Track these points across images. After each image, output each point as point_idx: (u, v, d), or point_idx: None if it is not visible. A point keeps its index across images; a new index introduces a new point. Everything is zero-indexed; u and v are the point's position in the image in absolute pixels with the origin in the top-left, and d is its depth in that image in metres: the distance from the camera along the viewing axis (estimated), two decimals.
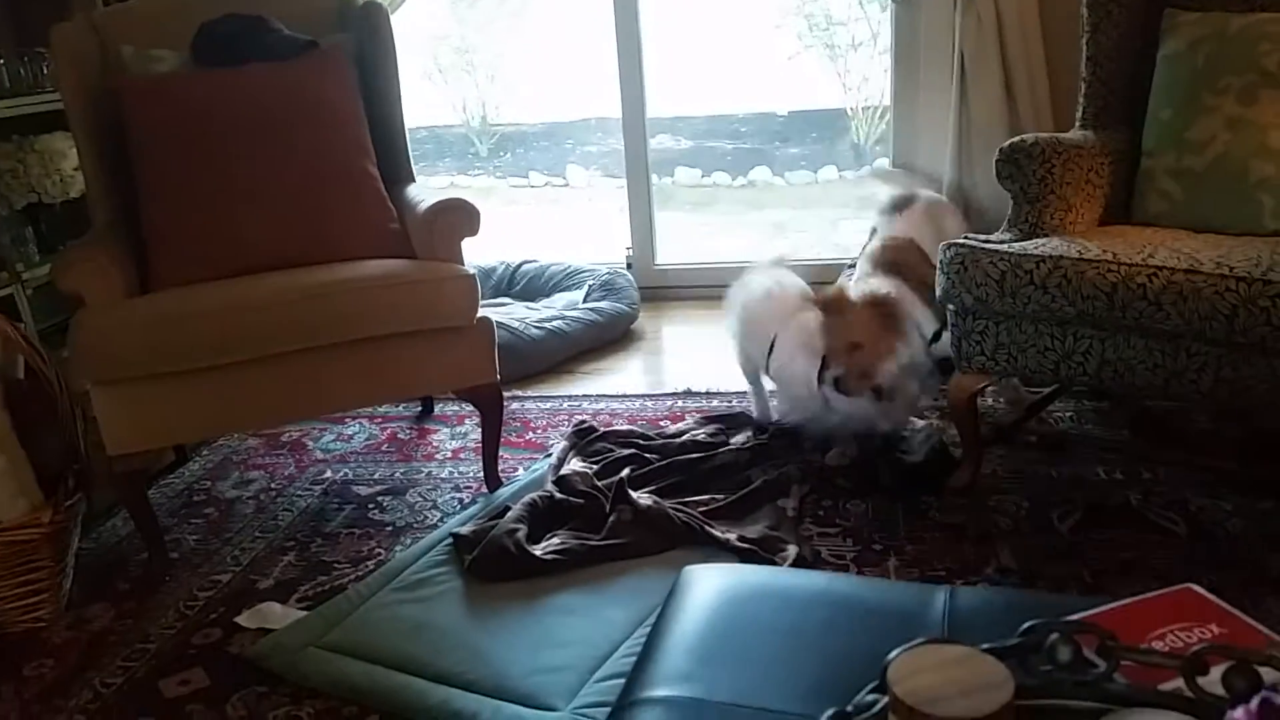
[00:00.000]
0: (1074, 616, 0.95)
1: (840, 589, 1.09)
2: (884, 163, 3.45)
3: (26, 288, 2.72)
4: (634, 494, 2.12)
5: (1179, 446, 2.35)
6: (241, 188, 2.19)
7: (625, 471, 2.22)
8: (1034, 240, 2.06)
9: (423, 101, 6.12)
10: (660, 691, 0.95)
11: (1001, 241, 2.06)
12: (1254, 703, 0.54)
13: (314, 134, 2.26)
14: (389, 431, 2.74)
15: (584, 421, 2.56)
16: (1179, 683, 0.87)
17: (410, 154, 2.56)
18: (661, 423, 2.61)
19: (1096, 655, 0.88)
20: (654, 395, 2.85)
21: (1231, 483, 2.15)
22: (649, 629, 1.74)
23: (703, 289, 3.70)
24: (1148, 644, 0.95)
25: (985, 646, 0.81)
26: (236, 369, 2.03)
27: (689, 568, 1.21)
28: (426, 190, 2.37)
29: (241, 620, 1.92)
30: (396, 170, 2.49)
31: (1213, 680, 0.85)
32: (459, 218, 2.21)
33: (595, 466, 2.25)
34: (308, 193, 2.22)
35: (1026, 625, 0.89)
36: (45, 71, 2.83)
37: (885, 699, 0.82)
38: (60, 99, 2.65)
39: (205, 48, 2.37)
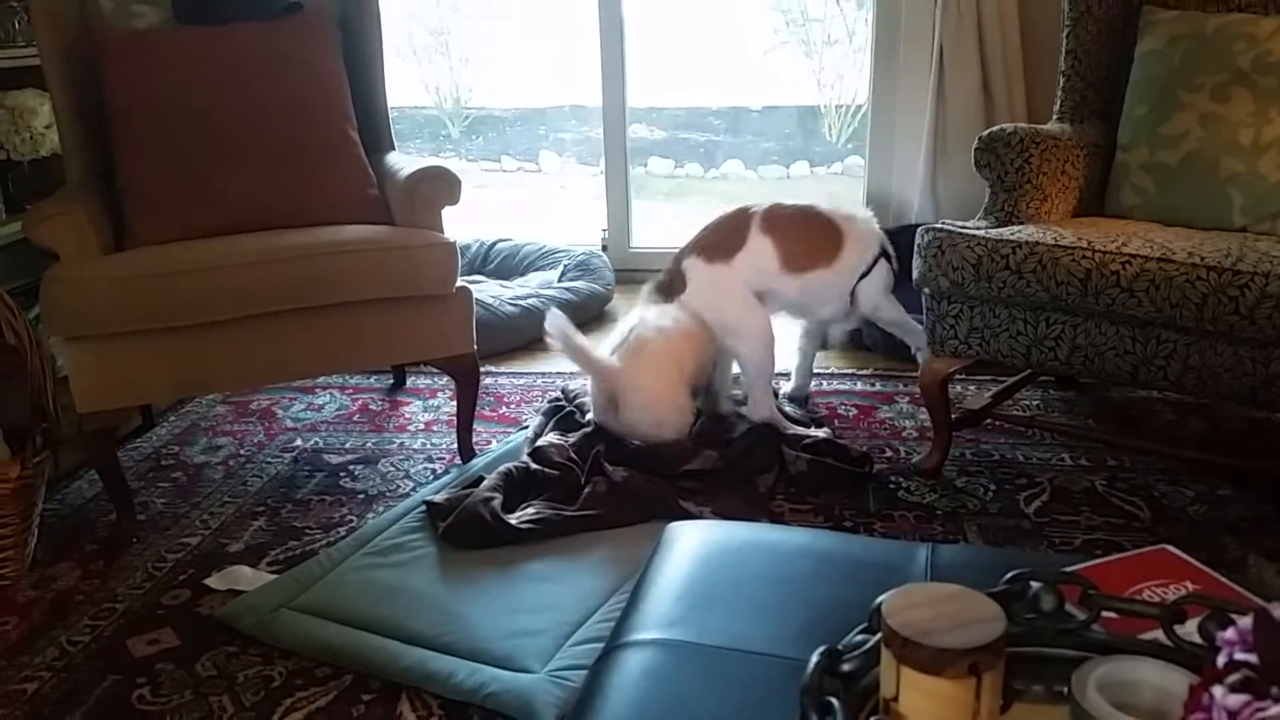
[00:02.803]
0: None
1: (824, 543, 1.11)
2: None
3: None
4: (609, 466, 2.13)
5: (1142, 435, 2.40)
6: (221, 147, 2.17)
7: (601, 446, 2.22)
8: (1010, 227, 2.09)
9: (394, 81, 6.06)
10: (650, 635, 0.96)
11: (978, 228, 2.09)
12: (1244, 621, 0.56)
13: (295, 96, 2.24)
14: (360, 402, 2.73)
15: (559, 396, 2.56)
16: (1157, 633, 0.89)
17: (391, 123, 2.54)
18: None
19: (1078, 605, 0.91)
20: None
21: (1193, 470, 2.21)
22: (625, 595, 1.76)
23: None
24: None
25: None
26: (212, 329, 2.02)
27: (673, 524, 1.22)
28: (407, 158, 2.36)
29: (211, 582, 1.90)
30: (377, 138, 2.48)
31: (1189, 630, 0.88)
32: (440, 185, 2.20)
33: (573, 439, 2.25)
34: (287, 155, 2.20)
35: (1011, 574, 0.91)
36: (17, 26, 2.78)
37: (875, 638, 0.84)
38: (33, 54, 2.62)
39: (187, 4, 2.34)
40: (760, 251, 2.37)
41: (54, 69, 2.22)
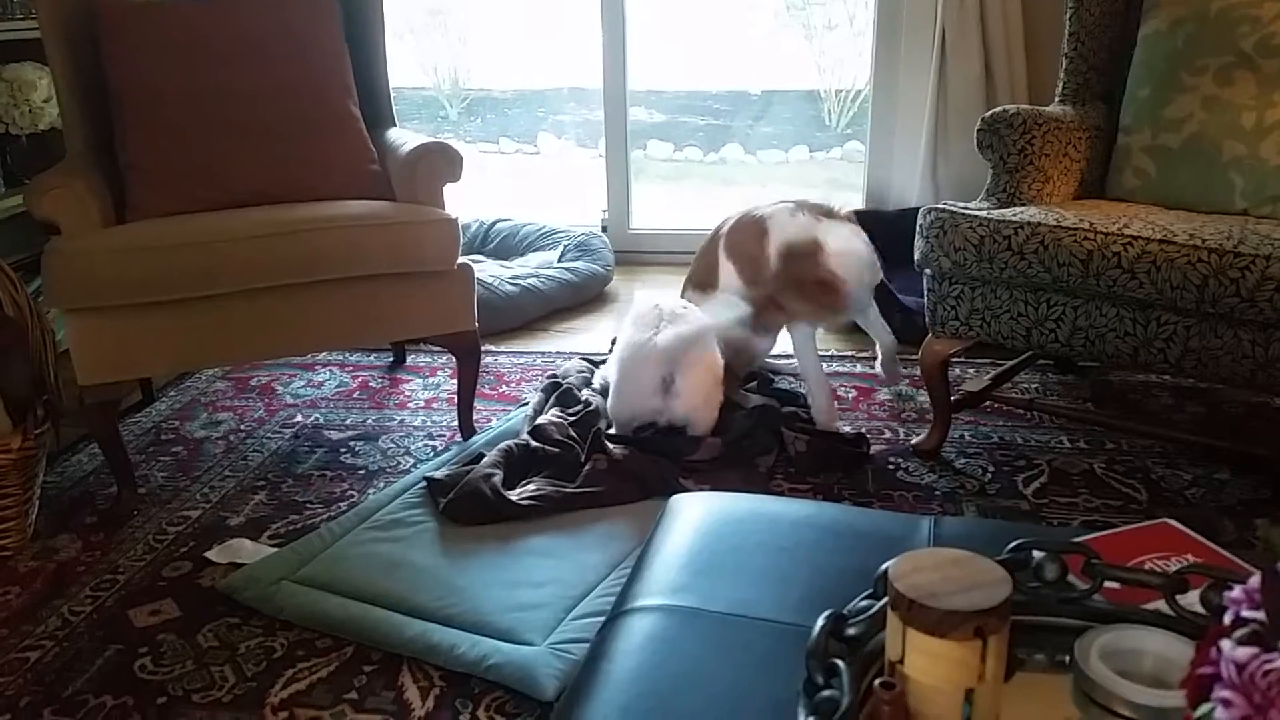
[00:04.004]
0: None
1: (827, 515, 1.12)
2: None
3: None
4: (609, 444, 2.13)
5: (1141, 419, 2.41)
6: (223, 120, 2.16)
7: (601, 424, 2.23)
8: (1012, 208, 2.10)
9: (392, 61, 6.02)
10: (655, 600, 0.97)
11: (980, 208, 2.09)
12: (1251, 580, 0.56)
13: (297, 70, 2.23)
14: (360, 380, 2.73)
15: (555, 375, 2.56)
16: (1158, 604, 0.90)
17: (392, 98, 2.54)
18: None
19: (1081, 575, 0.91)
20: None
21: (1191, 454, 2.22)
22: (625, 570, 1.77)
23: (676, 254, 3.71)
24: None
25: None
26: (214, 303, 2.02)
27: (677, 495, 1.23)
28: (408, 134, 2.35)
29: (212, 555, 1.91)
30: (378, 114, 2.47)
31: (1191, 600, 0.89)
32: (441, 161, 2.20)
33: (572, 417, 2.25)
34: (289, 129, 2.19)
35: (1015, 543, 0.92)
36: None
37: (880, 603, 0.84)
38: (31, 26, 2.61)
39: None
40: (729, 274, 2.44)
41: (54, 41, 2.21)
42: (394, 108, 2.56)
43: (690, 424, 2.19)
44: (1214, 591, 0.86)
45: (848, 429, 2.34)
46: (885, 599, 0.82)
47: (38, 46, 2.34)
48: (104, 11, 2.19)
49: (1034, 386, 2.60)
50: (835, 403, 2.41)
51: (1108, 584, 0.91)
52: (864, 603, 0.86)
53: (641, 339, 2.20)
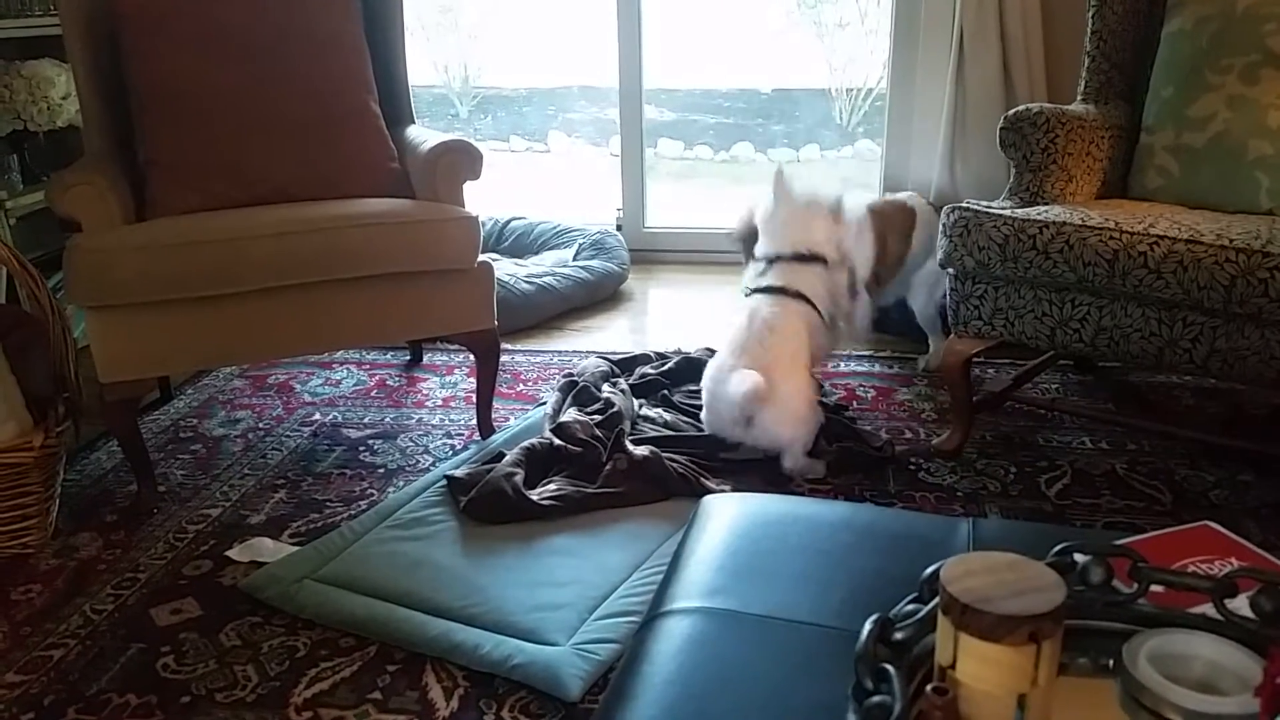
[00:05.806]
0: None
1: (864, 517, 1.11)
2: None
3: (9, 217, 2.66)
4: (630, 445, 2.12)
5: (1162, 419, 2.39)
6: (243, 117, 2.15)
7: (626, 425, 2.23)
8: (1036, 207, 2.08)
9: None
10: (693, 603, 0.96)
11: (1004, 207, 2.08)
12: None
13: (318, 66, 2.22)
14: (377, 378, 2.72)
15: (572, 374, 2.56)
16: (1204, 608, 0.89)
17: (411, 95, 2.53)
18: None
19: (1127, 578, 0.90)
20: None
21: (1213, 456, 2.20)
22: (648, 571, 1.77)
23: (691, 253, 3.71)
24: None
25: None
26: (235, 300, 2.01)
27: (709, 497, 1.22)
28: (428, 132, 2.34)
29: (233, 554, 1.90)
30: (398, 111, 2.46)
31: (1239, 605, 0.88)
32: (462, 159, 2.19)
33: (598, 417, 2.24)
34: (310, 126, 2.19)
35: (1060, 546, 0.91)
36: None
37: (927, 608, 0.84)
38: (49, 23, 2.61)
39: None
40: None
41: (75, 37, 2.20)
42: (413, 104, 2.55)
43: (783, 452, 2.13)
44: (1264, 596, 0.85)
45: (868, 428, 2.33)
46: (933, 603, 0.81)
47: (57, 42, 2.33)
48: (125, 7, 2.18)
49: (1054, 387, 2.59)
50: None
51: (1153, 588, 0.90)
52: (910, 606, 0.85)
53: (721, 371, 2.15)
